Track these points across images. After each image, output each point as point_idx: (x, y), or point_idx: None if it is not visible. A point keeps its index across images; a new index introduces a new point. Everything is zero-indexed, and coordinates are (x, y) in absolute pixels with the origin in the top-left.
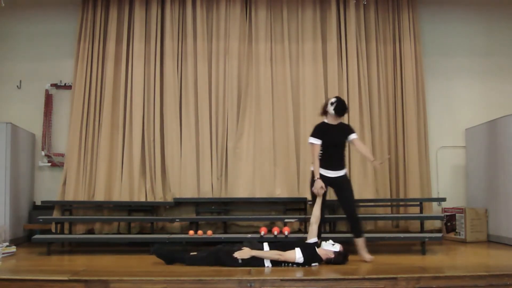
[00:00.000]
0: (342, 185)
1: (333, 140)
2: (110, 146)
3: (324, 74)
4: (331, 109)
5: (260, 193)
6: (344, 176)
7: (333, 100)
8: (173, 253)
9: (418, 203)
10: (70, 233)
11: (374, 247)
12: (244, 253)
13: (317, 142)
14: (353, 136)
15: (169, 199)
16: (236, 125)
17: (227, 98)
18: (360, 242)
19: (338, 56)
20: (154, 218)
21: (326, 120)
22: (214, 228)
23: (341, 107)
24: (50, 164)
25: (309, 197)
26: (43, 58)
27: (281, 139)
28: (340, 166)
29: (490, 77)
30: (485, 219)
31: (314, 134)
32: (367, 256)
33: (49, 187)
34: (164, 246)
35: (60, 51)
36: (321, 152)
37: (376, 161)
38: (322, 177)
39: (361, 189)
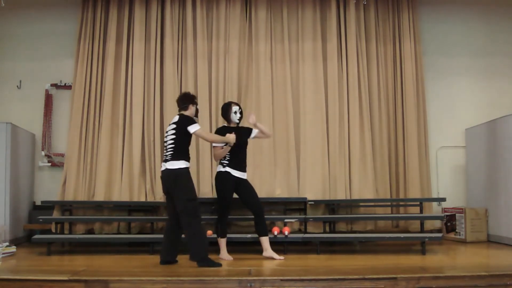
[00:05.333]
0: (246, 186)
1: (236, 142)
2: (110, 146)
3: (324, 74)
4: (235, 117)
5: (260, 193)
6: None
7: (237, 108)
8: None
9: (418, 203)
10: (70, 233)
11: (374, 247)
12: None
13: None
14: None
15: None
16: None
17: (227, 98)
18: (265, 241)
19: (338, 56)
20: (154, 218)
21: (226, 124)
22: (214, 228)
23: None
24: (50, 164)
25: (310, 196)
26: (43, 58)
27: (281, 139)
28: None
29: (490, 77)
30: (485, 219)
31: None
32: (276, 255)
33: (49, 187)
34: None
35: (60, 51)
36: (228, 153)
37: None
38: (230, 176)
39: (361, 189)
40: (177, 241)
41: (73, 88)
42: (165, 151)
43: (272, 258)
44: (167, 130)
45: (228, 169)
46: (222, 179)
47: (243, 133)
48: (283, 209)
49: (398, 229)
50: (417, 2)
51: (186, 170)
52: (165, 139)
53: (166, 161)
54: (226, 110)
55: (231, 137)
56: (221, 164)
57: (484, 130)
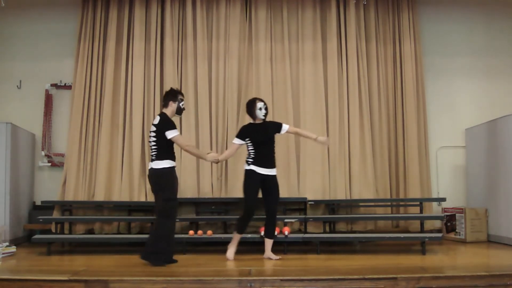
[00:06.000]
0: (272, 183)
1: (259, 138)
2: (110, 146)
3: (324, 74)
4: (260, 114)
5: (260, 193)
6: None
7: (262, 104)
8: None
9: (418, 203)
10: (70, 233)
11: (374, 247)
12: None
13: (240, 142)
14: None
15: None
16: (236, 125)
17: (227, 98)
18: (269, 243)
19: (338, 56)
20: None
21: (251, 121)
22: (214, 228)
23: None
24: (50, 164)
25: (310, 196)
26: (43, 58)
27: (281, 139)
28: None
29: (490, 77)
30: (485, 219)
31: (238, 135)
32: (273, 256)
33: (49, 187)
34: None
35: (60, 51)
36: (253, 150)
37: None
38: (255, 174)
39: (361, 189)
40: (171, 239)
41: (73, 88)
42: (150, 151)
43: (270, 259)
44: (150, 130)
45: (252, 167)
46: (246, 178)
47: (269, 129)
48: (283, 209)
49: (398, 229)
50: (417, 2)
51: (170, 169)
52: (149, 139)
53: (152, 160)
54: (250, 106)
55: (209, 157)
56: (246, 162)
57: (484, 130)
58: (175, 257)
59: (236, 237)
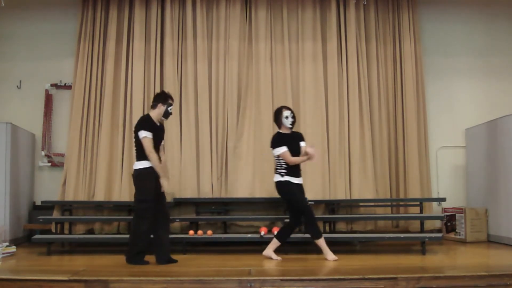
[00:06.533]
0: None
1: (292, 148)
2: (110, 146)
3: (324, 74)
4: (287, 122)
5: (260, 193)
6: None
7: (289, 113)
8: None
9: (418, 203)
10: (70, 233)
11: (374, 247)
12: None
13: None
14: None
15: (169, 199)
16: (236, 125)
17: (227, 98)
18: (275, 243)
19: (338, 56)
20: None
21: (281, 131)
22: (214, 228)
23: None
24: (50, 164)
25: (310, 196)
26: (43, 58)
27: None
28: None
29: (490, 77)
30: (485, 219)
31: (279, 144)
32: (274, 255)
33: (49, 187)
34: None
35: (60, 51)
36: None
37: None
38: (292, 184)
39: (361, 189)
40: (165, 239)
41: (73, 88)
42: None
43: (270, 258)
44: None
45: (287, 178)
46: (286, 188)
47: (298, 138)
48: (283, 209)
49: (398, 229)
50: (417, 2)
51: (145, 170)
52: None
53: None
54: (277, 115)
55: (164, 182)
56: (279, 173)
57: (484, 130)
58: (175, 257)
59: (320, 243)
